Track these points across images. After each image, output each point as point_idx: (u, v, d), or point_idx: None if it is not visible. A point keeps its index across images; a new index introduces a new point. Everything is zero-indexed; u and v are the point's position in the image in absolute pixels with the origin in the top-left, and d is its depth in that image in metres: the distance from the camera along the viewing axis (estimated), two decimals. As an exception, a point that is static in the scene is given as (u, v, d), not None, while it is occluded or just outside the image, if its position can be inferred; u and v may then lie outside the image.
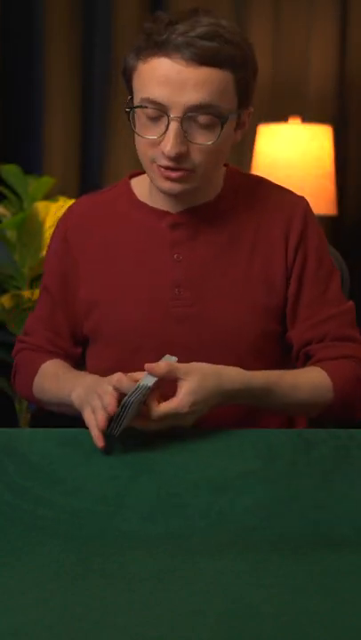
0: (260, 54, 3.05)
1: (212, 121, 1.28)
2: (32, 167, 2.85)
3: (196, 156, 1.30)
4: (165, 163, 1.30)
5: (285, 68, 2.93)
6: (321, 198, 2.63)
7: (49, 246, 1.52)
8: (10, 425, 2.74)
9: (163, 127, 1.28)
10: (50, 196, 2.59)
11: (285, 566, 0.91)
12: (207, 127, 1.29)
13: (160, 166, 1.31)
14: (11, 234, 2.42)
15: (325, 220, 2.80)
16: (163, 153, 1.28)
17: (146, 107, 1.28)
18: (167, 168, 1.30)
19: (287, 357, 1.48)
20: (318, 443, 1.25)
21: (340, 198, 2.89)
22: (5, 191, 2.52)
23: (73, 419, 1.56)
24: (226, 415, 1.36)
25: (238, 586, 0.87)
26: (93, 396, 1.23)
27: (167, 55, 1.25)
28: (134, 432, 1.25)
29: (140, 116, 1.30)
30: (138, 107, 1.29)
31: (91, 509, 1.05)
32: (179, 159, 1.29)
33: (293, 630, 0.79)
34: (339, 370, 1.39)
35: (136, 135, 1.33)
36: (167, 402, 1.20)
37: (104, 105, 2.87)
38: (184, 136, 1.27)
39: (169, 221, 1.41)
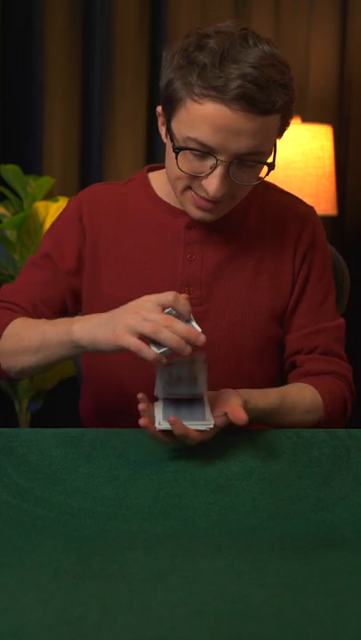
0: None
1: (257, 164, 1.28)
2: (32, 167, 2.85)
3: (236, 191, 1.31)
4: (205, 196, 1.29)
5: (285, 68, 2.93)
6: (321, 198, 2.63)
7: (59, 221, 1.48)
8: (10, 425, 2.75)
9: (207, 166, 1.26)
10: (50, 196, 2.59)
11: (285, 566, 0.91)
12: (251, 169, 1.28)
13: (196, 195, 1.30)
14: (11, 234, 2.42)
15: (325, 220, 2.80)
16: (206, 191, 1.28)
17: (194, 148, 1.25)
18: (205, 200, 1.30)
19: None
20: (318, 443, 1.25)
21: (341, 198, 2.89)
22: (5, 191, 2.52)
23: (73, 419, 1.55)
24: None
25: (238, 586, 0.87)
26: (127, 315, 1.13)
27: (224, 102, 1.21)
28: (134, 431, 1.25)
29: (185, 152, 1.28)
30: (186, 148, 1.26)
31: (91, 509, 1.05)
32: (220, 197, 1.29)
33: (293, 630, 0.79)
34: (328, 388, 1.41)
35: (174, 163, 1.30)
36: (200, 434, 1.16)
37: (104, 105, 2.87)
38: (229, 177, 1.27)
39: (186, 221, 1.41)
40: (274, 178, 2.56)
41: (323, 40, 2.93)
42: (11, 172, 2.53)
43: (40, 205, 2.39)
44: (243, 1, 2.91)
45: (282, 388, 1.38)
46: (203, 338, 1.10)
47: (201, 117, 1.23)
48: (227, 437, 1.24)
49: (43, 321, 1.33)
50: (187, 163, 1.28)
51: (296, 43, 2.93)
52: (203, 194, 1.29)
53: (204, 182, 1.28)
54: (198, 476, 1.14)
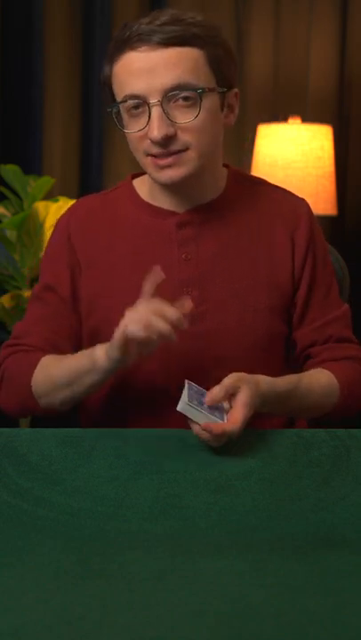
0: (260, 54, 3.07)
1: (190, 98, 1.30)
2: (32, 167, 2.85)
3: (185, 137, 1.31)
4: (156, 150, 1.31)
5: (285, 68, 2.93)
6: (321, 198, 2.63)
7: (50, 247, 1.49)
8: (10, 425, 2.74)
9: (146, 117, 1.30)
10: (50, 196, 2.59)
11: (285, 566, 0.91)
12: (187, 105, 1.30)
13: (153, 156, 1.32)
14: (11, 234, 2.41)
15: (325, 220, 2.80)
16: (151, 140, 1.30)
17: (125, 101, 1.30)
18: (159, 156, 1.31)
19: (291, 356, 1.49)
20: (318, 443, 1.25)
21: (340, 198, 2.89)
22: (5, 191, 2.52)
23: (73, 419, 1.55)
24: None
25: (238, 586, 0.87)
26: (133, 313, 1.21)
27: (133, 48, 1.28)
28: (134, 431, 1.25)
29: (124, 114, 1.33)
30: (118, 103, 1.32)
31: (91, 509, 1.05)
32: (167, 142, 1.30)
33: (293, 630, 0.79)
34: (345, 372, 1.41)
35: (127, 135, 1.35)
36: (228, 423, 1.18)
37: (104, 105, 2.87)
38: (167, 118, 1.29)
39: (175, 220, 1.41)
40: (274, 178, 2.56)
41: (323, 40, 2.93)
42: (11, 172, 2.53)
43: (40, 205, 2.38)
44: (243, 1, 2.91)
45: (297, 374, 1.39)
46: (189, 303, 1.20)
47: (121, 73, 1.31)
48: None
49: (66, 356, 1.37)
50: (129, 125, 1.33)
51: (296, 43, 2.93)
52: (154, 150, 1.31)
53: (148, 133, 1.30)
54: (198, 476, 1.14)
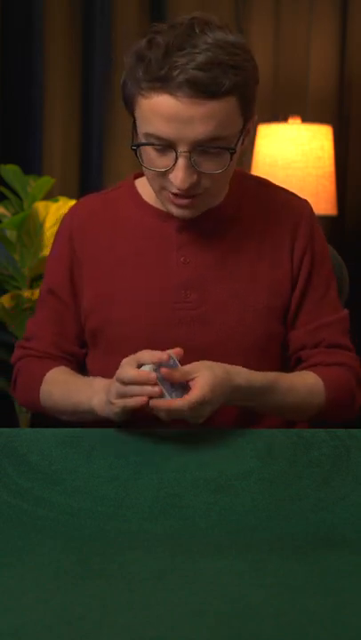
0: (260, 54, 3.06)
1: (220, 151, 1.26)
2: (32, 167, 2.85)
3: (207, 182, 1.29)
4: (176, 191, 1.29)
5: (285, 68, 2.93)
6: (321, 198, 2.63)
7: (53, 247, 1.50)
8: (10, 425, 2.74)
9: (171, 159, 1.26)
10: (50, 196, 2.59)
11: (285, 566, 0.91)
12: (216, 156, 1.27)
13: (171, 193, 1.30)
14: (11, 234, 2.42)
15: (325, 220, 2.80)
16: (173, 184, 1.27)
17: (152, 143, 1.26)
18: (178, 195, 1.30)
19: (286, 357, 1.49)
20: (318, 443, 1.25)
21: (340, 198, 2.89)
22: (5, 191, 2.52)
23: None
24: (226, 415, 1.36)
25: (238, 586, 0.87)
26: (114, 385, 1.21)
27: (170, 93, 1.21)
28: (134, 431, 1.25)
29: (147, 149, 1.28)
30: (144, 144, 1.27)
31: (91, 509, 1.05)
32: (189, 189, 1.28)
33: (293, 630, 0.79)
34: (332, 375, 1.40)
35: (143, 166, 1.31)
36: (178, 400, 1.19)
37: (104, 105, 2.88)
38: (193, 167, 1.26)
39: (176, 224, 1.41)
40: (274, 178, 2.56)
41: (323, 40, 2.93)
42: (11, 172, 2.53)
43: (40, 205, 2.39)
44: (243, 1, 2.91)
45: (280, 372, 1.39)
46: (153, 375, 1.17)
47: (151, 112, 1.24)
48: (227, 437, 1.24)
49: (71, 380, 1.41)
50: (151, 160, 1.28)
51: (296, 43, 2.93)
52: (173, 189, 1.29)
53: (170, 176, 1.27)
54: (198, 476, 1.14)
